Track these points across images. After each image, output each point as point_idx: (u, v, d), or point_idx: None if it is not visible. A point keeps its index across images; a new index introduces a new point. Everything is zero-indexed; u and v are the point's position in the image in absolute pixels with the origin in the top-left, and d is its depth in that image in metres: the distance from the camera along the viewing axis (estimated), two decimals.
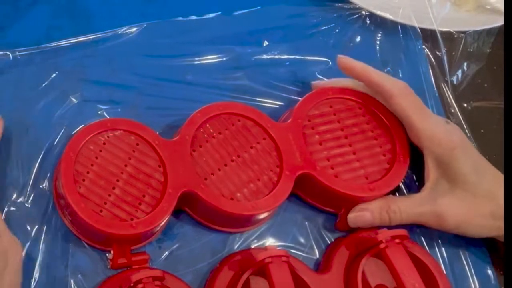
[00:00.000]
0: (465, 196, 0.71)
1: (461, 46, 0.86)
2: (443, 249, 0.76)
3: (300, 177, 0.72)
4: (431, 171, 0.73)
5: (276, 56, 0.83)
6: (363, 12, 0.87)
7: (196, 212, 0.72)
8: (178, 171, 0.69)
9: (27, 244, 0.68)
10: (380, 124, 0.76)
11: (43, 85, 0.77)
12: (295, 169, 0.71)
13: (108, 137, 0.70)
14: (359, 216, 0.73)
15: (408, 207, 0.72)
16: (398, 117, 0.75)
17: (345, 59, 0.76)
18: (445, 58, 0.85)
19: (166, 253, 0.70)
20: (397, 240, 0.68)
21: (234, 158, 0.72)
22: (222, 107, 0.74)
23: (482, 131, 0.82)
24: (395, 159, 0.74)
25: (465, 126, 0.81)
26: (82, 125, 0.73)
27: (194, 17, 0.84)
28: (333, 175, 0.72)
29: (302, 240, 0.74)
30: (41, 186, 0.72)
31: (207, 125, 0.73)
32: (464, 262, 0.75)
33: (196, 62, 0.81)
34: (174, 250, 0.71)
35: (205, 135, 0.73)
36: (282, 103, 0.80)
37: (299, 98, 0.77)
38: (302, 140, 0.74)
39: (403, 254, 0.68)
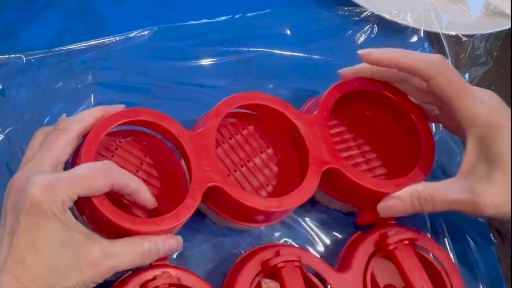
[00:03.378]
0: (505, 181, 0.65)
1: (469, 49, 0.86)
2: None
3: (324, 171, 0.69)
4: (470, 154, 0.67)
5: (286, 59, 0.84)
6: (371, 16, 0.87)
7: (219, 207, 0.69)
8: (203, 165, 0.66)
9: None
10: (406, 118, 0.74)
11: (56, 88, 0.77)
12: (321, 164, 0.69)
13: (130, 128, 0.70)
14: (390, 205, 0.70)
15: (441, 195, 0.68)
16: (438, 99, 0.71)
17: (367, 53, 0.73)
18: (451, 61, 0.86)
19: (177, 252, 0.71)
20: (406, 242, 0.68)
21: (257, 154, 0.72)
22: (247, 98, 0.71)
23: None
24: (420, 155, 0.72)
25: None
26: None
27: (205, 20, 0.84)
28: (360, 171, 0.71)
29: (313, 236, 0.75)
30: None
31: (230, 122, 0.73)
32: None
33: (207, 65, 0.81)
34: (185, 250, 0.71)
35: (229, 131, 0.73)
36: (294, 107, 0.79)
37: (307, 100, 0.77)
38: (328, 133, 0.71)
39: (411, 255, 0.68)
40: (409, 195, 0.69)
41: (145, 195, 0.64)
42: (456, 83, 0.69)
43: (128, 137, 0.70)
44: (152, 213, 0.67)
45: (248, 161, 0.71)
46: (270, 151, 0.73)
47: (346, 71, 0.76)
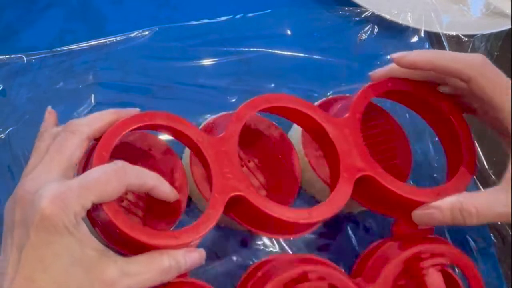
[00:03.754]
0: None
1: (469, 49, 0.87)
2: None
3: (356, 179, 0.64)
4: None
5: (286, 59, 0.84)
6: (372, 16, 0.87)
7: (242, 218, 0.64)
8: (225, 173, 0.61)
9: None
10: (445, 121, 0.70)
11: (57, 88, 0.77)
12: (354, 171, 0.64)
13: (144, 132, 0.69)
14: (427, 214, 0.64)
15: (486, 208, 0.62)
16: (480, 101, 0.67)
17: (400, 56, 0.68)
18: None
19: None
20: (438, 267, 0.64)
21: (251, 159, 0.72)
22: (271, 100, 0.66)
23: (489, 133, 0.82)
24: (460, 158, 0.68)
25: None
26: None
27: (205, 21, 0.84)
28: (396, 179, 0.65)
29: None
30: None
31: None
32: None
33: (208, 65, 0.82)
34: None
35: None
36: None
37: (310, 100, 0.77)
38: (361, 137, 0.66)
39: (440, 280, 0.64)
40: (450, 206, 0.64)
41: (165, 189, 0.61)
42: (498, 83, 0.65)
43: (129, 136, 0.70)
44: (151, 214, 0.68)
45: (249, 161, 0.72)
46: (270, 151, 0.73)
47: (378, 72, 0.71)
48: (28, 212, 0.54)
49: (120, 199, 0.68)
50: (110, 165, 0.57)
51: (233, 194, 0.60)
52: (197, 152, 0.64)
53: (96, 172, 0.56)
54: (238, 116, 0.65)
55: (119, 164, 0.57)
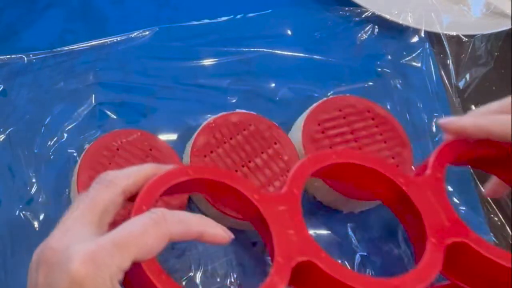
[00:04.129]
0: None
1: (469, 49, 0.86)
2: None
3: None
4: None
5: (287, 59, 0.84)
6: (372, 16, 0.87)
7: (309, 286, 0.56)
8: (289, 235, 0.54)
9: None
10: None
11: (57, 88, 0.77)
12: (443, 236, 0.56)
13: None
14: None
15: None
16: None
17: (447, 123, 0.62)
18: (451, 61, 0.86)
19: (178, 252, 0.71)
20: None
21: (259, 154, 0.72)
22: (337, 156, 0.61)
23: None
24: None
25: None
26: (96, 129, 0.75)
27: (206, 21, 0.84)
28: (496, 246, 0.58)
29: None
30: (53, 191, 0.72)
31: (232, 122, 0.72)
32: None
33: (208, 65, 0.81)
34: (186, 250, 0.71)
35: (229, 132, 0.72)
36: (295, 107, 0.80)
37: (310, 100, 0.78)
38: (447, 198, 0.59)
39: None
40: None
41: (215, 231, 0.54)
42: None
43: (129, 137, 0.71)
44: None
45: (249, 161, 0.72)
46: (271, 151, 0.73)
47: (448, 125, 0.63)
48: (55, 275, 0.47)
49: None
50: (146, 215, 0.51)
51: (300, 259, 0.54)
52: (252, 209, 0.57)
53: (131, 224, 0.50)
54: (299, 172, 0.59)
55: (157, 212, 0.51)
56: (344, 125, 0.75)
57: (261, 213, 0.56)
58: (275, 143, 0.73)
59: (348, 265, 0.72)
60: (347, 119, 0.75)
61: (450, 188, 0.77)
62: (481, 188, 0.79)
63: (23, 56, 0.78)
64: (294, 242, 0.54)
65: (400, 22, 0.86)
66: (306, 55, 0.84)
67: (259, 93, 0.80)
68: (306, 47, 0.85)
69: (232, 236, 0.55)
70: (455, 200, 0.77)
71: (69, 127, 0.75)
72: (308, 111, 0.76)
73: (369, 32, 0.87)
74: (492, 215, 0.78)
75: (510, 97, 0.61)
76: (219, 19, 0.85)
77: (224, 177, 0.57)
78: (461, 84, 0.85)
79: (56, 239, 0.50)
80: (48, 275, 0.48)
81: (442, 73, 0.85)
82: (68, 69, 0.78)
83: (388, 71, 0.84)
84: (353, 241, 0.74)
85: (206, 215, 0.71)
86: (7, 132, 0.74)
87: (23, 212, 0.70)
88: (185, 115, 0.77)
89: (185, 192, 0.59)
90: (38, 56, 0.78)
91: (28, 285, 0.50)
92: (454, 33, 0.87)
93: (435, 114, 0.82)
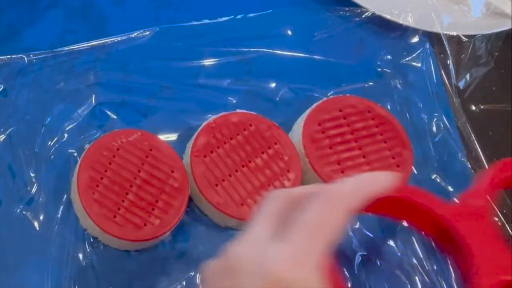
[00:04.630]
0: None
1: (470, 49, 0.87)
2: None
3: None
4: None
5: (287, 59, 0.84)
6: (372, 16, 0.87)
7: None
8: (490, 252, 0.51)
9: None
10: None
11: (58, 88, 0.77)
12: (496, 274, 0.51)
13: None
14: None
15: None
16: None
17: None
18: (451, 61, 0.86)
19: (179, 253, 0.71)
20: None
21: (259, 155, 0.73)
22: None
23: (490, 133, 0.83)
24: None
25: (470, 129, 0.82)
26: (96, 129, 0.75)
27: (206, 21, 0.84)
28: None
29: None
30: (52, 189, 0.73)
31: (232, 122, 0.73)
32: None
33: (208, 65, 0.81)
34: (188, 250, 0.72)
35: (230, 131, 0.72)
36: (295, 107, 0.80)
37: (310, 101, 0.78)
38: (497, 231, 0.54)
39: None
40: None
41: (383, 182, 0.50)
42: None
43: (129, 137, 0.71)
44: (151, 214, 0.68)
45: (249, 161, 0.72)
46: (271, 151, 0.73)
47: None
48: (249, 278, 0.45)
49: (121, 199, 0.68)
50: (319, 198, 0.47)
51: (506, 278, 0.51)
52: (437, 224, 0.55)
53: (312, 212, 0.47)
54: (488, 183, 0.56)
55: (327, 187, 0.48)
56: (345, 125, 0.75)
57: (455, 229, 0.53)
58: (275, 143, 0.73)
59: (348, 265, 0.72)
60: (347, 119, 0.76)
61: (450, 188, 0.78)
62: None
63: (24, 56, 0.78)
64: (495, 260, 0.51)
65: (401, 22, 0.86)
66: (307, 55, 0.84)
67: (259, 93, 0.80)
68: (306, 47, 0.85)
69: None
70: (455, 200, 0.77)
71: (70, 127, 0.75)
72: (308, 111, 0.76)
73: (369, 32, 0.87)
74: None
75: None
76: (220, 19, 0.85)
77: (408, 193, 0.55)
78: (461, 84, 0.85)
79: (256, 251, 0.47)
80: (240, 280, 0.46)
81: (442, 73, 0.85)
82: (68, 69, 0.78)
83: (388, 71, 0.84)
84: (354, 241, 0.74)
85: (206, 215, 0.72)
86: (8, 132, 0.74)
87: (24, 212, 0.71)
88: (185, 115, 0.77)
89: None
90: (39, 56, 0.78)
91: None
92: (454, 33, 0.87)
93: (435, 114, 0.82)
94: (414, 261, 0.73)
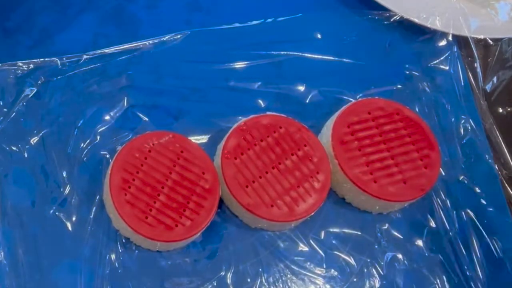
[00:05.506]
0: None
1: (497, 53, 0.87)
2: None
3: None
4: None
5: (317, 62, 0.84)
6: (401, 20, 0.88)
7: None
8: None
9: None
10: None
11: (90, 91, 0.78)
12: None
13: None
14: None
15: None
16: None
17: None
18: (479, 64, 0.86)
19: (210, 253, 0.72)
20: None
21: (288, 157, 0.73)
22: None
23: None
24: None
25: (497, 131, 0.82)
26: (128, 132, 0.76)
27: (237, 24, 0.85)
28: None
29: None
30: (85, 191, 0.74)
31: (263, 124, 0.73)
32: None
33: (239, 68, 0.82)
34: (218, 250, 0.72)
35: (260, 134, 0.73)
36: (325, 110, 0.80)
37: (339, 103, 0.79)
38: None
39: None
40: None
41: None
42: None
43: (161, 139, 0.72)
44: (182, 216, 0.69)
45: (279, 163, 0.72)
46: (300, 153, 0.73)
47: None
48: None
49: (153, 200, 0.69)
50: None
51: None
52: None
53: None
54: None
55: None
56: (373, 128, 0.76)
57: None
58: (305, 145, 0.74)
59: (376, 265, 0.72)
60: (376, 121, 0.76)
61: (477, 190, 0.78)
62: (509, 189, 0.79)
63: (57, 59, 0.79)
64: None
65: (429, 25, 0.86)
66: (336, 59, 0.84)
67: (289, 96, 0.80)
68: (336, 50, 0.85)
69: None
70: (483, 201, 0.77)
71: (102, 129, 0.76)
72: (337, 113, 0.77)
73: (397, 36, 0.87)
74: None
75: None
76: (250, 23, 0.85)
77: None
78: (488, 87, 0.85)
79: None
80: None
81: (470, 76, 0.85)
82: (101, 72, 0.79)
83: (417, 74, 0.84)
84: (382, 242, 0.75)
85: (236, 216, 0.73)
86: (41, 134, 0.75)
87: (57, 213, 0.72)
88: (216, 118, 0.78)
89: None
90: (71, 60, 0.79)
91: None
92: (482, 37, 0.87)
93: (462, 116, 0.82)
94: (442, 260, 0.74)
